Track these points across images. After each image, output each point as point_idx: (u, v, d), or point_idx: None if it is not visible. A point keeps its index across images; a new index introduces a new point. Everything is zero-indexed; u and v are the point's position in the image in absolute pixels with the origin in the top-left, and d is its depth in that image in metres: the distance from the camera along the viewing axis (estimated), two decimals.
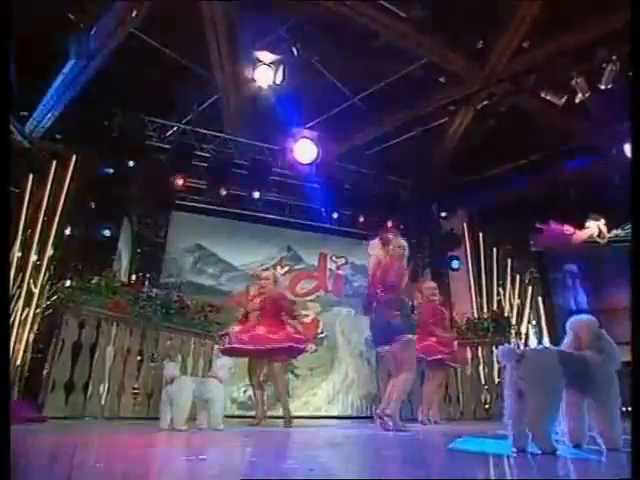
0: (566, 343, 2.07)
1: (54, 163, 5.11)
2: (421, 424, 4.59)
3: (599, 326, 2.07)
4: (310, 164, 6.85)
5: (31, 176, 4.84)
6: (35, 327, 4.62)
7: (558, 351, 1.99)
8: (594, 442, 1.95)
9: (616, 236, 8.23)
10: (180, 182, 6.79)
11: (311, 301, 7.76)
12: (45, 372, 4.35)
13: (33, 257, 4.81)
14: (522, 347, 6.46)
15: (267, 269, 5.00)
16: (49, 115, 5.02)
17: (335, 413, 7.20)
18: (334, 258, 8.09)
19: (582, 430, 1.97)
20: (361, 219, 7.85)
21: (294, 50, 5.71)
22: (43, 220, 4.99)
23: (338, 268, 8.11)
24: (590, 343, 2.00)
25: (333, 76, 6.44)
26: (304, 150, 6.70)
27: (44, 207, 4.96)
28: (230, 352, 4.31)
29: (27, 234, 4.75)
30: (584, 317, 2.12)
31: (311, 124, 6.86)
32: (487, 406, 6.07)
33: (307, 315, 7.79)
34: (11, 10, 1.95)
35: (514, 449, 1.84)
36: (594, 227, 8.18)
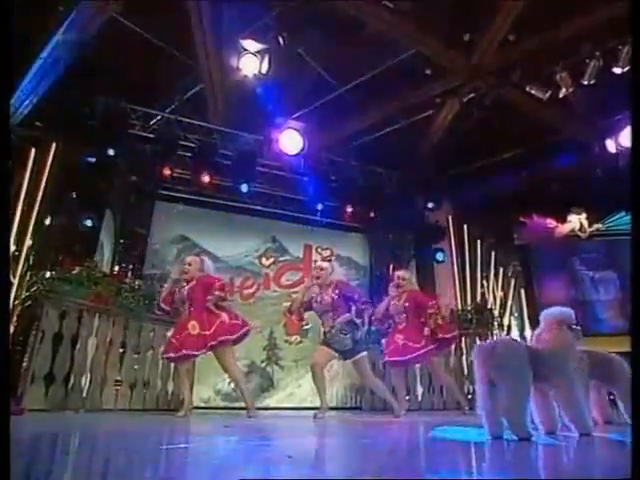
0: (535, 333, 2.15)
1: (33, 151, 4.99)
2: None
3: (568, 318, 2.13)
4: (296, 155, 6.81)
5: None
6: (14, 318, 4.53)
7: (525, 344, 2.09)
8: (568, 429, 2.01)
9: (597, 230, 8.39)
10: (164, 172, 6.70)
11: (296, 293, 7.75)
12: (24, 364, 4.28)
13: (12, 247, 4.71)
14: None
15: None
16: (27, 102, 4.89)
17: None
18: (319, 250, 8.08)
19: (553, 418, 2.05)
20: (348, 210, 7.86)
21: (280, 39, 5.65)
22: (22, 209, 4.88)
23: (323, 260, 8.11)
24: (552, 334, 2.07)
25: (319, 66, 6.39)
26: (290, 141, 6.65)
27: (23, 196, 4.85)
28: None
29: None
30: (553, 309, 2.19)
31: (297, 115, 6.81)
32: (470, 396, 6.16)
33: None
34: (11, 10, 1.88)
35: (490, 437, 1.87)
36: (576, 221, 8.33)
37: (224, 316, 4.19)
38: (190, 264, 4.37)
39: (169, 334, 4.49)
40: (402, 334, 4.81)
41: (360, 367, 4.45)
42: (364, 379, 4.68)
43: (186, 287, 4.28)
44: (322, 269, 4.56)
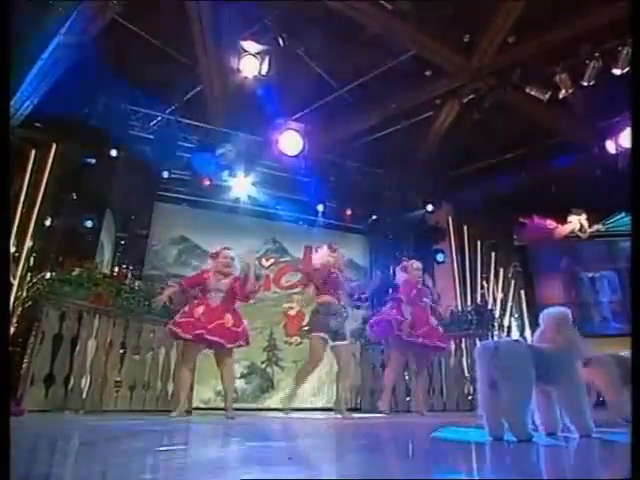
0: (536, 334, 2.15)
1: (33, 152, 5.00)
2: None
3: (569, 318, 2.13)
4: (296, 156, 6.81)
5: None
6: (14, 319, 4.53)
7: (527, 344, 2.08)
8: (568, 430, 2.01)
9: (597, 231, 8.40)
10: (164, 173, 6.71)
11: (296, 294, 7.75)
12: (24, 365, 4.28)
13: (12, 248, 4.71)
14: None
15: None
16: (28, 103, 4.89)
17: (320, 405, 7.22)
18: (319, 251, 8.06)
19: (554, 419, 2.04)
20: (348, 211, 7.86)
21: (280, 40, 5.65)
22: (22, 210, 4.89)
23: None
24: (556, 335, 2.06)
25: (319, 68, 6.40)
26: (290, 142, 6.65)
27: (23, 197, 4.86)
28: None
29: None
30: (554, 309, 2.19)
31: (297, 116, 6.81)
32: (470, 397, 6.15)
33: (292, 308, 7.80)
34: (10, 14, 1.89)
35: (490, 438, 1.87)
36: (576, 222, 8.34)
37: (245, 322, 4.37)
38: (234, 259, 4.50)
39: (199, 310, 4.19)
40: (434, 318, 5.01)
41: (343, 353, 4.51)
42: (344, 366, 4.61)
43: (229, 278, 4.36)
44: (339, 251, 4.85)
